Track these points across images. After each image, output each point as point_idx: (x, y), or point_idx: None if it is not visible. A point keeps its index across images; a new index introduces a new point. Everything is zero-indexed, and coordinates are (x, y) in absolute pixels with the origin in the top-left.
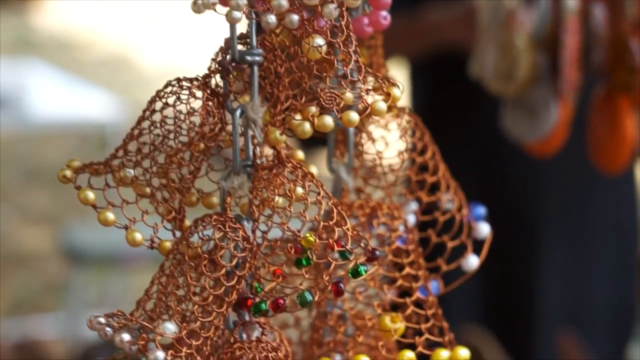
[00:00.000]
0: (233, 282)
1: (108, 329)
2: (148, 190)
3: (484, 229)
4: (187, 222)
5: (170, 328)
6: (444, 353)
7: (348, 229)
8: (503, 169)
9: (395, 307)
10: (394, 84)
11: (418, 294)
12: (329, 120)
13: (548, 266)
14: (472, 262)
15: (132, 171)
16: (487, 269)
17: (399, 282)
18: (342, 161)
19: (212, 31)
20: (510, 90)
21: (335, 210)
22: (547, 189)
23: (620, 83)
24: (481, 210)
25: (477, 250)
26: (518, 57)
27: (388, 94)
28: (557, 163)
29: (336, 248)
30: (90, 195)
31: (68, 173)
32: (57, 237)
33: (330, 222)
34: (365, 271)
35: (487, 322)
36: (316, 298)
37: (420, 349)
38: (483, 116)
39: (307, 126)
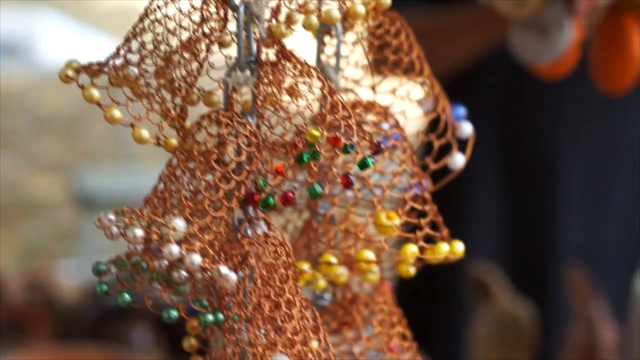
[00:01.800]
0: (242, 177)
1: (115, 228)
2: (146, 89)
3: (467, 128)
4: (188, 123)
5: (180, 224)
6: (444, 246)
7: (353, 123)
8: (521, 104)
9: None
10: None
11: (415, 190)
12: (336, 13)
13: (566, 202)
14: (459, 160)
15: (135, 69)
16: (505, 205)
17: (396, 179)
18: (330, 62)
19: None
20: (524, 12)
21: (340, 105)
22: (566, 124)
23: (627, 2)
24: (462, 109)
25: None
26: None
27: None
28: (577, 97)
29: (342, 141)
30: (95, 93)
31: (70, 72)
32: (68, 184)
33: (336, 116)
34: (373, 163)
35: (503, 257)
36: (326, 190)
37: (421, 243)
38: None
39: (314, 19)
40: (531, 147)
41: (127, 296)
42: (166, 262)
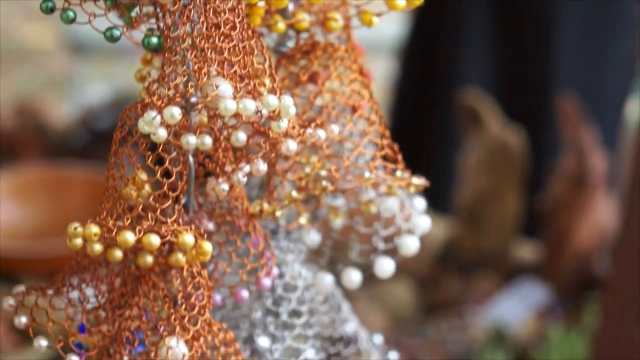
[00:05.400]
0: None
1: None
2: None
3: None
4: None
5: None
6: None
7: None
8: None
9: None
10: None
11: None
12: None
13: (562, 34)
14: None
15: None
16: (499, 35)
17: None
18: None
19: None
20: None
21: None
22: None
23: None
24: None
25: None
26: None
27: None
28: None
29: None
30: None
31: None
32: (59, 30)
33: None
34: None
35: (495, 86)
36: None
37: None
38: None
39: None
40: None
41: (71, 13)
42: None
